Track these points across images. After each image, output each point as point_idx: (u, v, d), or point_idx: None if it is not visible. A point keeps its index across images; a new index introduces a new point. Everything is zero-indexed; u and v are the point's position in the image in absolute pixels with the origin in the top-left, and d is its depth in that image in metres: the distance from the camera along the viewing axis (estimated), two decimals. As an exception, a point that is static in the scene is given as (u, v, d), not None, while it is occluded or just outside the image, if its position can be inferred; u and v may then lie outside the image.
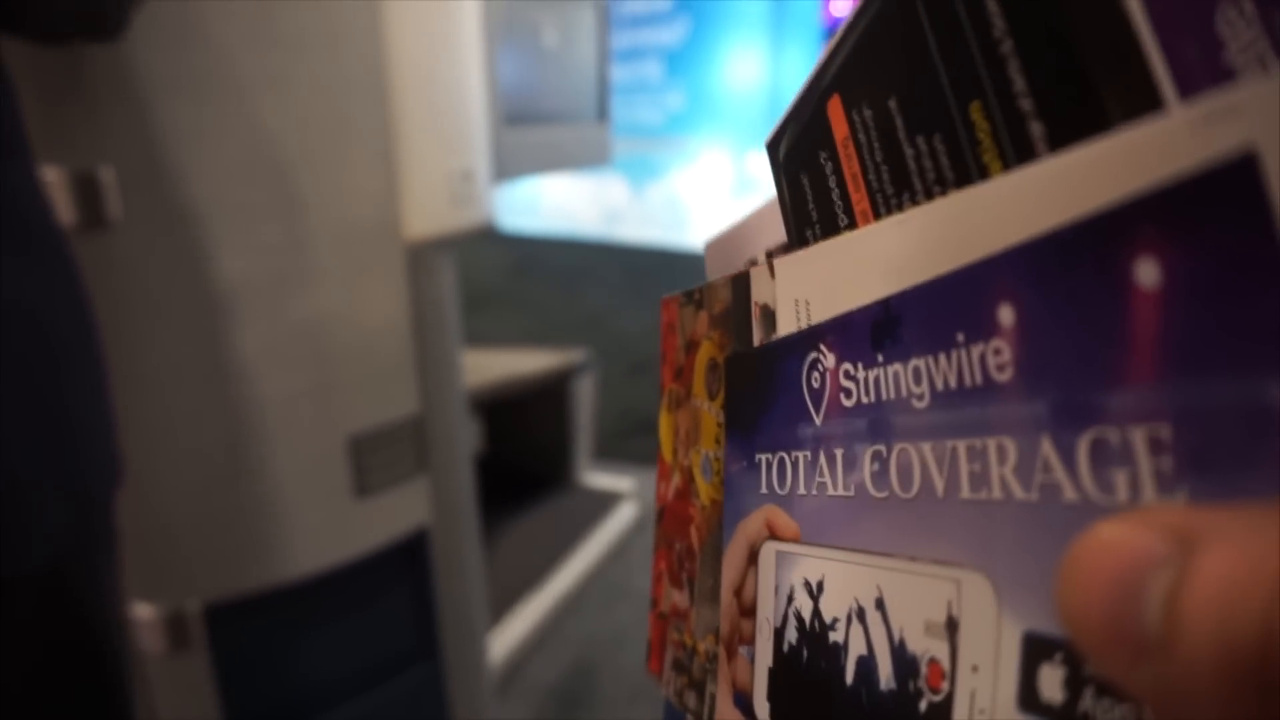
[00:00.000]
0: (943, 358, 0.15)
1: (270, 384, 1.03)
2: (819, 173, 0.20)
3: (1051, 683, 0.13)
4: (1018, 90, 0.15)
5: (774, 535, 0.19)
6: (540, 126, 1.52)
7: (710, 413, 0.22)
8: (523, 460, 2.35)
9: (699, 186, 7.05)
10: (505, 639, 1.65)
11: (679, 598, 0.22)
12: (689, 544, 0.22)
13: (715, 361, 0.22)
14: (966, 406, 0.14)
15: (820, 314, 0.18)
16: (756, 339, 0.21)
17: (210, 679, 1.07)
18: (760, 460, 0.19)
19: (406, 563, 1.22)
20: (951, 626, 0.15)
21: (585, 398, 2.27)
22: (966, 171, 0.16)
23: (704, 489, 0.21)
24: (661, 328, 0.25)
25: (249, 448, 1.03)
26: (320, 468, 1.08)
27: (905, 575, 0.16)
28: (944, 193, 0.17)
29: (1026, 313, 0.13)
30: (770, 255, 0.22)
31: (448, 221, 1.16)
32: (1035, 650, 0.13)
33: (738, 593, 0.20)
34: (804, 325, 0.19)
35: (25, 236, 0.55)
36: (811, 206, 0.21)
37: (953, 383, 0.14)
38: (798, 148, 0.21)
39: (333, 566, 1.11)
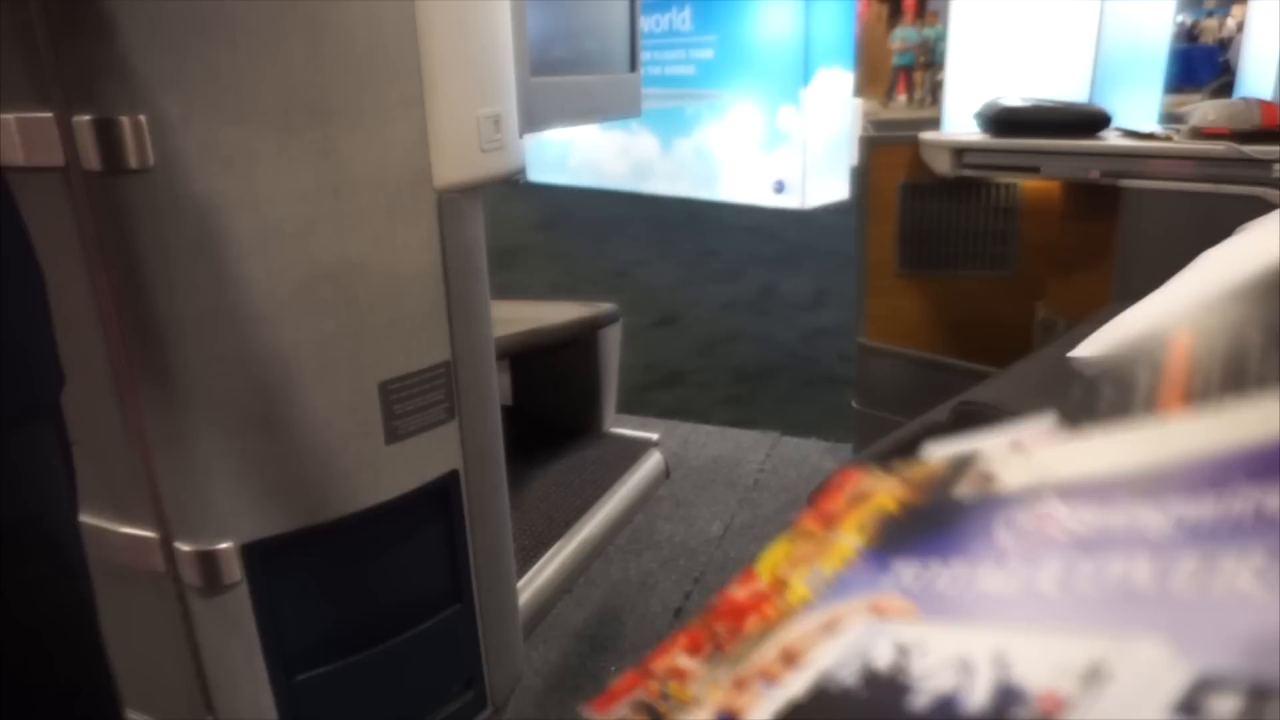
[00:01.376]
0: (1212, 500, 0.16)
1: (303, 329, 1.04)
2: (1129, 382, 0.21)
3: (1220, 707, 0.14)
4: None
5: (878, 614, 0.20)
6: (570, 76, 1.51)
7: (847, 542, 0.22)
8: (550, 411, 2.37)
9: (729, 140, 6.96)
10: (534, 585, 1.69)
11: (688, 663, 0.23)
12: (738, 626, 0.22)
13: (886, 511, 0.23)
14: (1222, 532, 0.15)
15: (1056, 478, 0.19)
16: (961, 495, 0.21)
17: (249, 615, 1.11)
18: (895, 566, 0.20)
19: (438, 507, 1.25)
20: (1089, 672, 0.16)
21: (613, 349, 2.28)
22: None
23: (797, 591, 0.22)
24: (828, 484, 0.26)
25: (282, 392, 1.05)
26: (353, 412, 1.10)
27: (1035, 636, 0.17)
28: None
29: None
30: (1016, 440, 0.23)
31: (478, 168, 1.16)
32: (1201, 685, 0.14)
33: (785, 650, 0.20)
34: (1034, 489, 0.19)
35: None
36: (1107, 409, 0.21)
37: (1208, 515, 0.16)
38: (1114, 368, 0.22)
39: (366, 509, 1.14)
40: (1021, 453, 0.21)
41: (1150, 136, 1.79)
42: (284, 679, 1.15)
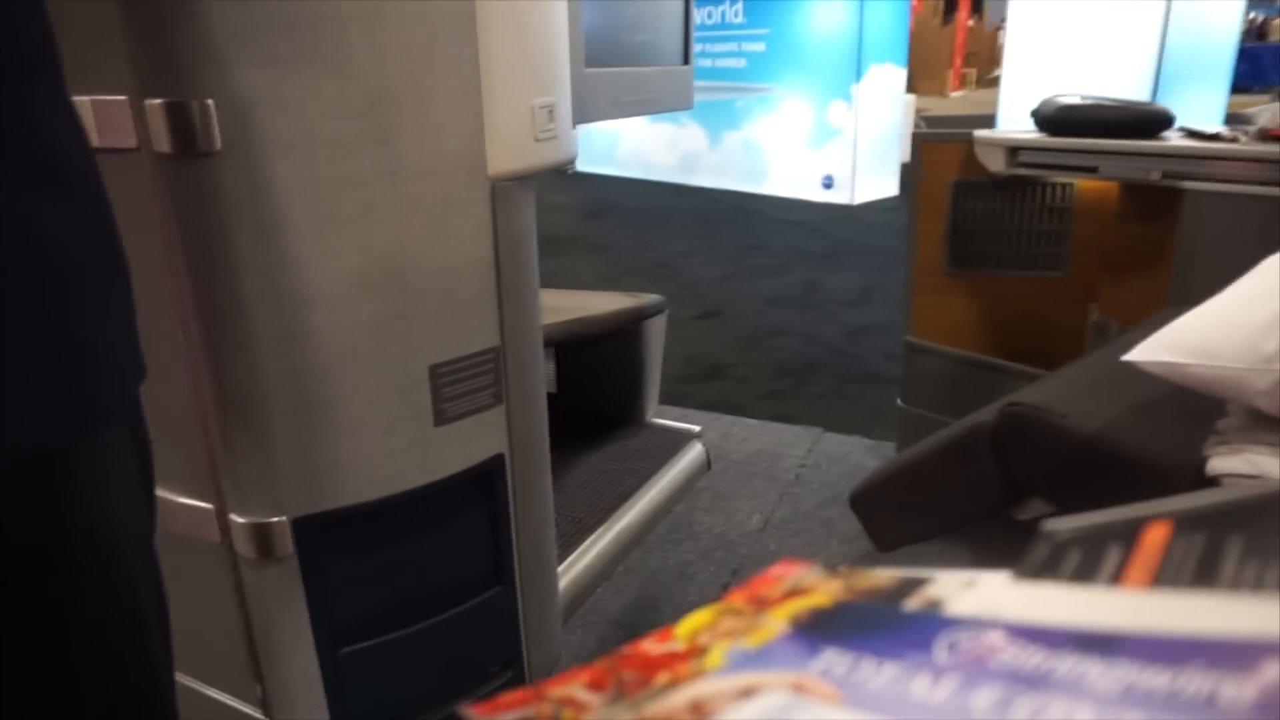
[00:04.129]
0: (1167, 675, 0.15)
1: (357, 312, 1.07)
2: (1097, 553, 0.21)
3: None
4: None
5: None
6: (624, 68, 1.51)
7: (776, 625, 0.22)
8: (594, 399, 2.39)
9: (778, 135, 6.92)
10: (574, 570, 1.71)
11: (586, 696, 0.22)
12: (646, 678, 0.21)
13: (822, 607, 0.22)
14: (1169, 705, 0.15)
15: (1007, 615, 0.19)
16: (908, 608, 0.21)
17: (299, 587, 1.14)
18: (825, 652, 0.20)
19: (483, 490, 1.27)
20: None
21: (658, 340, 2.29)
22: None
23: (714, 659, 0.21)
24: (769, 570, 0.26)
25: (335, 372, 1.08)
26: (403, 394, 1.13)
27: None
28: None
29: None
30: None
31: (532, 158, 1.18)
32: None
33: (695, 703, 0.20)
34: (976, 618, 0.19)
35: (43, 166, 0.52)
36: (1069, 573, 0.21)
37: (1161, 687, 0.15)
38: (1083, 538, 0.22)
39: (414, 489, 1.16)
40: (974, 588, 0.21)
41: (1214, 138, 1.74)
42: (330, 651, 1.18)
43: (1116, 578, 0.19)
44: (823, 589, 0.23)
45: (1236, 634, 0.16)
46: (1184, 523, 0.20)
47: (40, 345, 0.53)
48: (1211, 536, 0.19)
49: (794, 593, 0.24)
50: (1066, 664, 0.16)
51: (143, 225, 1.00)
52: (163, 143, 0.95)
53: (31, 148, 0.52)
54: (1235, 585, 0.17)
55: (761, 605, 0.24)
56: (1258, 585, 0.17)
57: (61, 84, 0.56)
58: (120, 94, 0.95)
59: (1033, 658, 0.17)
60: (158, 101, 0.94)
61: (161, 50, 0.93)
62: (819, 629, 0.21)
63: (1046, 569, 0.21)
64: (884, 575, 0.23)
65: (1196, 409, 1.22)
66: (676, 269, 4.72)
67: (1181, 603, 0.17)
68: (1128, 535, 0.21)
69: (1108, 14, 3.97)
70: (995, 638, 0.18)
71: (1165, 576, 0.19)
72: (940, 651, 0.18)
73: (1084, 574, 0.20)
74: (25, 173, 0.50)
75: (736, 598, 0.25)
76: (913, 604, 0.21)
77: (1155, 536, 0.20)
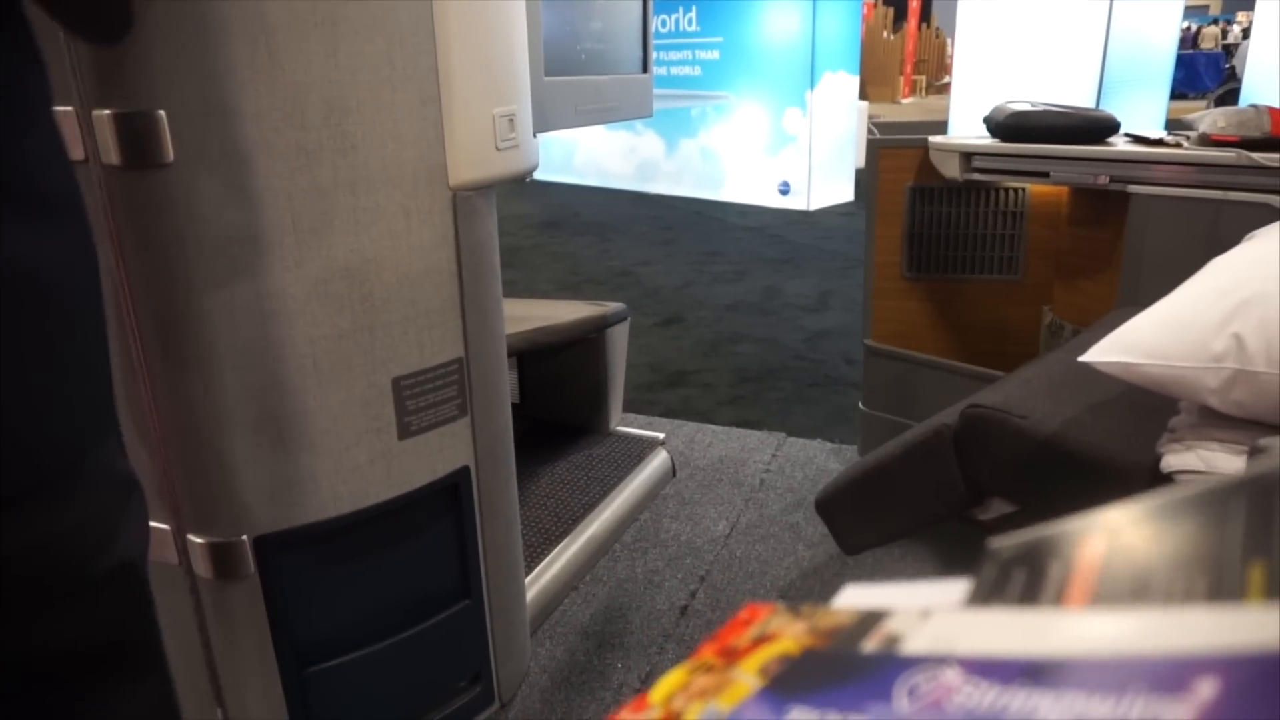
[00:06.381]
0: (1110, 701, 0.16)
1: (318, 324, 1.05)
2: (1040, 573, 0.22)
3: None
4: None
5: None
6: (583, 77, 1.51)
7: (746, 681, 0.23)
8: (557, 409, 2.38)
9: (734, 142, 6.97)
10: (541, 581, 1.69)
11: None
12: None
13: (789, 654, 0.23)
14: None
15: (961, 649, 0.20)
16: (866, 650, 0.22)
17: (261, 608, 1.12)
18: (791, 711, 0.21)
19: (449, 503, 1.25)
20: None
21: (621, 348, 2.29)
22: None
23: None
24: (733, 619, 0.26)
25: (297, 386, 1.06)
26: (366, 407, 1.11)
27: None
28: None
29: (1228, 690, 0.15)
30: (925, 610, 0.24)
31: (493, 167, 1.17)
32: None
33: None
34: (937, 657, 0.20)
35: (43, 205, 0.57)
36: (1016, 592, 0.22)
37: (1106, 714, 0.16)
38: (1026, 555, 0.23)
39: (378, 504, 1.15)
40: (928, 619, 0.22)
41: (1160, 143, 1.79)
42: (294, 672, 1.16)
43: (1059, 597, 0.20)
44: (788, 632, 0.24)
45: (1171, 653, 0.16)
46: (1117, 535, 0.21)
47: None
48: (1144, 547, 0.20)
49: (762, 639, 0.24)
50: (1019, 698, 0.17)
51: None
52: (111, 154, 0.92)
53: (30, 195, 0.56)
54: (1169, 598, 0.18)
55: (731, 658, 0.24)
56: (1187, 597, 0.18)
57: (54, 124, 0.60)
58: (67, 105, 0.92)
59: (987, 695, 0.18)
60: (106, 112, 0.91)
61: (109, 60, 0.91)
62: (786, 686, 0.21)
63: (995, 591, 0.22)
64: (844, 613, 0.24)
65: (1150, 407, 1.25)
66: (637, 276, 4.72)
67: (1121, 622, 0.18)
68: (1067, 550, 0.22)
69: (1052, 23, 4.07)
70: (951, 676, 0.19)
71: (1104, 594, 0.20)
72: (900, 699, 0.19)
73: (1030, 594, 0.21)
74: (24, 217, 0.55)
75: (707, 651, 0.25)
76: (872, 644, 0.22)
77: (1093, 550, 0.21)
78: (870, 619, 0.22)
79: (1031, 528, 0.23)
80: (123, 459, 0.67)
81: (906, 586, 0.26)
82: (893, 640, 0.21)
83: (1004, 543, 0.24)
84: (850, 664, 0.21)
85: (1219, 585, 0.18)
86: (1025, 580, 0.22)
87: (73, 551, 0.59)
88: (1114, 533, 0.21)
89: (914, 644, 0.20)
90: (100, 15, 0.73)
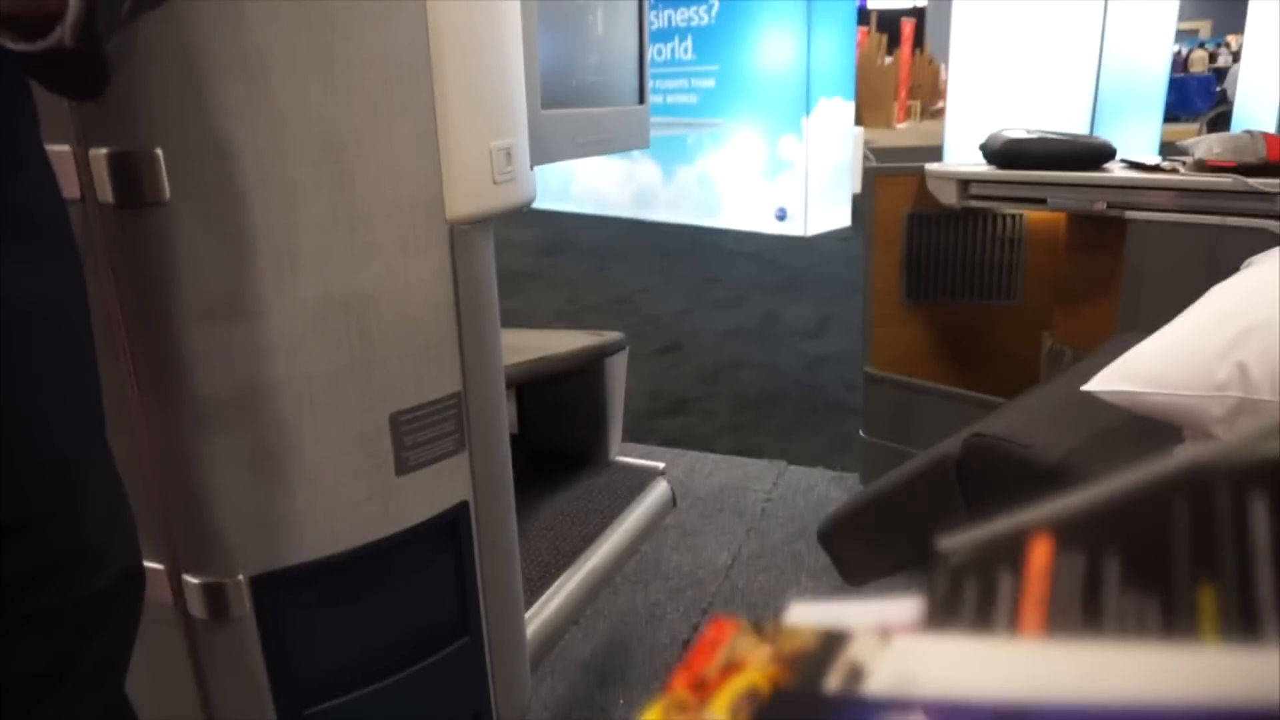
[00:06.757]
0: None
1: (315, 360, 1.04)
2: (991, 586, 0.22)
3: None
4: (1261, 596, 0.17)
5: None
6: (580, 109, 1.52)
7: None
8: (556, 439, 2.36)
9: (731, 169, 7.02)
10: (541, 616, 1.67)
11: None
12: None
13: (757, 690, 0.23)
14: None
15: (925, 690, 0.20)
16: (830, 688, 0.22)
17: (257, 648, 1.10)
18: None
19: (448, 538, 1.24)
20: None
21: (620, 378, 2.28)
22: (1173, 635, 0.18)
23: None
24: (700, 641, 0.27)
25: (294, 423, 1.05)
26: (364, 443, 1.10)
27: None
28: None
29: None
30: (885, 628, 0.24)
31: (490, 200, 1.17)
32: None
33: None
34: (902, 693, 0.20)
35: (38, 239, 0.61)
36: (970, 609, 0.22)
37: None
38: (976, 563, 0.23)
39: (376, 541, 1.13)
40: (888, 647, 0.22)
41: (1155, 169, 1.80)
42: (292, 713, 1.14)
43: (1013, 617, 0.21)
44: (754, 658, 0.24)
45: (1130, 700, 0.17)
46: (1064, 536, 0.22)
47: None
48: (1091, 555, 0.21)
49: (730, 667, 0.24)
50: None
51: (88, 276, 0.96)
52: (106, 193, 0.92)
53: (20, 225, 0.59)
54: (1121, 621, 0.19)
55: (703, 691, 0.24)
56: (1140, 622, 0.19)
57: (45, 159, 0.64)
58: (64, 144, 0.92)
59: None
60: (102, 151, 0.91)
61: (106, 99, 0.90)
62: None
63: (949, 606, 0.22)
64: (806, 634, 0.24)
65: (1155, 434, 1.24)
66: (635, 304, 4.72)
67: (1078, 659, 0.18)
68: (1015, 555, 0.22)
69: (1044, 48, 4.11)
70: None
71: (1056, 617, 0.20)
72: None
73: (983, 612, 0.21)
74: (21, 254, 0.58)
75: (679, 682, 0.25)
76: (836, 678, 0.22)
77: (1039, 558, 0.21)
78: (832, 642, 0.22)
79: (979, 526, 0.24)
80: (114, 483, 0.69)
81: (860, 604, 0.26)
82: (855, 672, 0.21)
83: (953, 544, 0.24)
84: (816, 707, 0.21)
85: (1170, 609, 0.18)
86: (978, 595, 0.22)
87: (63, 573, 0.62)
88: (1059, 534, 0.21)
89: (877, 680, 0.20)
90: (77, 78, 0.74)
